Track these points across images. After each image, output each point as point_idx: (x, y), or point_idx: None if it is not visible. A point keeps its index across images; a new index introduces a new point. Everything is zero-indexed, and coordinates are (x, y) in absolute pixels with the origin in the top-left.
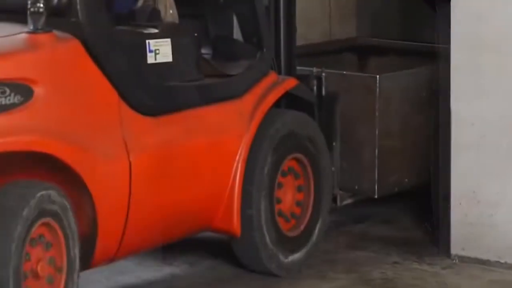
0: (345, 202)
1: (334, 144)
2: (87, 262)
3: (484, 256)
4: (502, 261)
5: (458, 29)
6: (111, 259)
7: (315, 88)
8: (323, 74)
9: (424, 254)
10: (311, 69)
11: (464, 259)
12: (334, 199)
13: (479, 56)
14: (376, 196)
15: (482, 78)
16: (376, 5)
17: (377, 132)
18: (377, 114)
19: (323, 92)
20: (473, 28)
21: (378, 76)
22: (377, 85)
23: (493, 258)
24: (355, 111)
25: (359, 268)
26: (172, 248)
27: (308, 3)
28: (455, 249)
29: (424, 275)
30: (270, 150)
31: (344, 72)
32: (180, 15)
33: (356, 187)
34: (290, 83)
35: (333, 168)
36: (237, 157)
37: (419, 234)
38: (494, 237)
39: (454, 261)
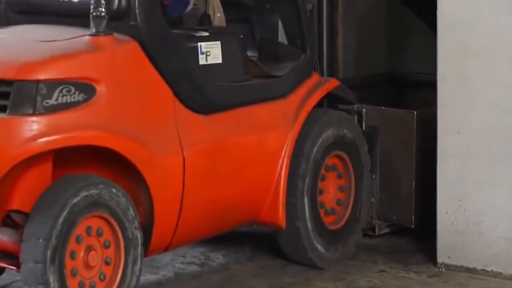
0: (383, 231)
1: (374, 176)
2: (144, 251)
3: (471, 265)
4: (488, 269)
5: (444, 37)
6: (165, 249)
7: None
8: (364, 109)
9: (410, 262)
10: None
11: (450, 267)
12: (373, 229)
13: (465, 64)
14: (413, 226)
15: (468, 87)
16: (360, 14)
17: (414, 165)
18: (414, 147)
19: (364, 127)
20: (459, 36)
21: (415, 111)
22: (415, 119)
23: (479, 267)
24: (394, 145)
25: (347, 277)
26: (158, 256)
27: None
28: (441, 257)
29: (411, 283)
30: (313, 147)
31: (383, 108)
32: (229, 20)
33: (394, 217)
34: (332, 83)
35: (372, 199)
36: (283, 153)
37: (405, 242)
38: (480, 245)
39: (441, 269)
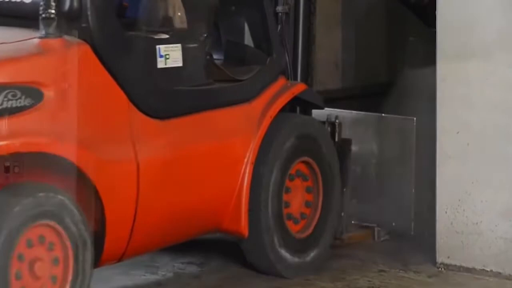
0: (382, 238)
1: (344, 190)
2: (95, 261)
3: (470, 264)
4: (488, 269)
5: (443, 38)
6: (119, 259)
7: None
8: (337, 120)
9: (410, 262)
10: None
11: (450, 267)
12: (372, 235)
13: (465, 64)
14: (412, 233)
15: (468, 87)
16: (360, 12)
17: (414, 172)
18: (414, 154)
19: (336, 138)
20: (459, 36)
21: (414, 118)
22: (414, 126)
23: (478, 266)
24: (393, 151)
25: (346, 277)
26: (158, 256)
27: None
28: (440, 257)
29: (410, 283)
30: (278, 153)
31: (383, 114)
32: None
33: (393, 224)
34: (299, 88)
35: (342, 214)
36: (245, 160)
37: (405, 242)
38: (479, 245)
39: (440, 269)
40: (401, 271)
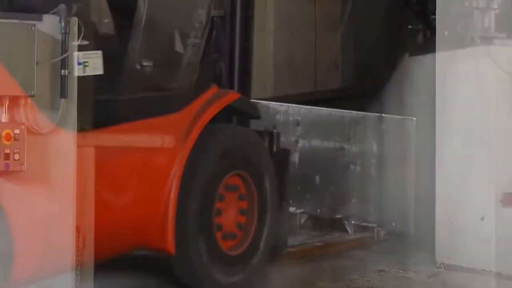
0: (382, 238)
1: (283, 203)
2: (5, 281)
3: (470, 265)
4: (488, 269)
5: (443, 37)
6: (32, 279)
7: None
8: (275, 130)
9: (410, 262)
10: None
11: (449, 267)
12: (372, 235)
13: (464, 64)
14: (412, 233)
15: (468, 87)
16: (360, 12)
17: (414, 172)
18: (413, 153)
19: (274, 149)
20: (459, 35)
21: (414, 118)
22: (414, 126)
23: (478, 267)
24: (393, 151)
25: (346, 277)
26: (158, 255)
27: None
28: (440, 257)
29: (410, 283)
30: (208, 166)
31: (383, 115)
32: (122, 27)
33: (393, 224)
34: (232, 97)
35: (282, 228)
36: (172, 173)
37: (404, 242)
38: (479, 245)
39: (440, 269)
40: (401, 271)
